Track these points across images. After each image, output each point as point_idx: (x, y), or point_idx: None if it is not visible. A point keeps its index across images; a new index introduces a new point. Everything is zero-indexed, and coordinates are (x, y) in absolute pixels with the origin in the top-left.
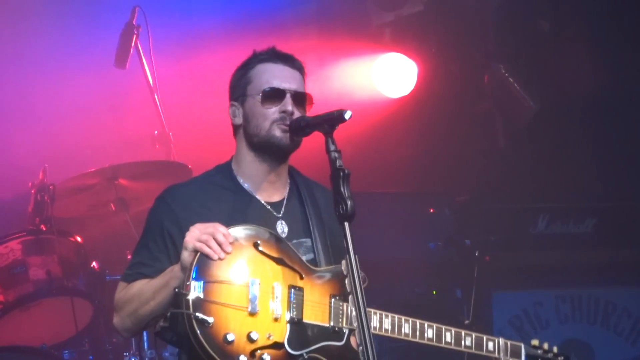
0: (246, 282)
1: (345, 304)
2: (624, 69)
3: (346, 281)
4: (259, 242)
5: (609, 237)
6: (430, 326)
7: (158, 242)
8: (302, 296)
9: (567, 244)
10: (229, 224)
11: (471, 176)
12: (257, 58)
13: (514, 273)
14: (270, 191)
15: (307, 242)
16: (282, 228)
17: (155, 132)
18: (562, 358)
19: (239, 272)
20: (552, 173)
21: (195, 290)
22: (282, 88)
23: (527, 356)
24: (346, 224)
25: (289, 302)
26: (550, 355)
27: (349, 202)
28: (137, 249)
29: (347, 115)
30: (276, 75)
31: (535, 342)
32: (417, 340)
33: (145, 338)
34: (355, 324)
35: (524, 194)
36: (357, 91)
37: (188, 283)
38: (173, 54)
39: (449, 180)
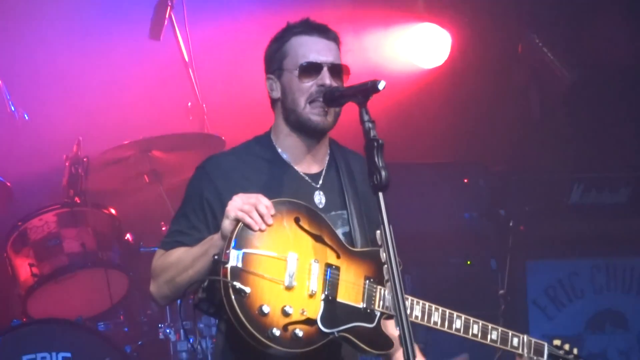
0: (285, 256)
1: (379, 287)
2: None
3: (381, 252)
4: (299, 217)
5: None
6: (459, 317)
7: (197, 211)
8: (338, 275)
9: (601, 214)
10: (268, 195)
11: (506, 146)
12: (292, 30)
13: (548, 243)
14: (309, 162)
15: (344, 214)
16: (319, 199)
17: (189, 104)
18: None
19: (278, 245)
20: (586, 143)
21: (234, 259)
22: (318, 62)
23: (549, 355)
24: (380, 194)
25: (325, 280)
26: (571, 357)
27: (383, 173)
28: (176, 217)
29: (380, 86)
30: (312, 49)
31: (557, 341)
32: (445, 329)
33: (180, 309)
34: (387, 307)
35: (558, 164)
36: (391, 62)
37: (227, 252)
38: (207, 25)
39: (483, 150)
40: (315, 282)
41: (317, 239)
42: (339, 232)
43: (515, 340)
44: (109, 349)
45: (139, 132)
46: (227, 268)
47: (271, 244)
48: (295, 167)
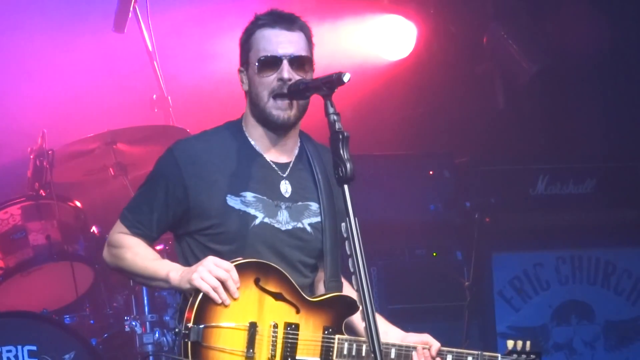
0: (245, 325)
1: (337, 336)
2: (625, 27)
3: (346, 244)
4: (259, 277)
5: (609, 198)
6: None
7: (159, 194)
8: (297, 333)
9: (567, 205)
10: (233, 181)
11: (471, 138)
12: (257, 23)
13: (514, 234)
14: (278, 152)
15: (313, 205)
16: (285, 188)
17: (154, 96)
18: (534, 357)
19: (238, 314)
20: (551, 134)
21: (194, 335)
22: (277, 55)
23: None
24: (345, 186)
25: (284, 342)
26: (523, 357)
27: (348, 165)
28: (140, 191)
29: (345, 78)
30: (272, 41)
31: (510, 343)
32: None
33: (146, 302)
34: (344, 355)
35: (523, 155)
36: (356, 54)
37: (189, 325)
38: (171, 17)
39: (448, 142)
40: (274, 346)
41: (277, 297)
42: (305, 222)
43: (470, 359)
44: (75, 342)
45: (103, 124)
46: (187, 343)
47: (231, 314)
48: (264, 155)
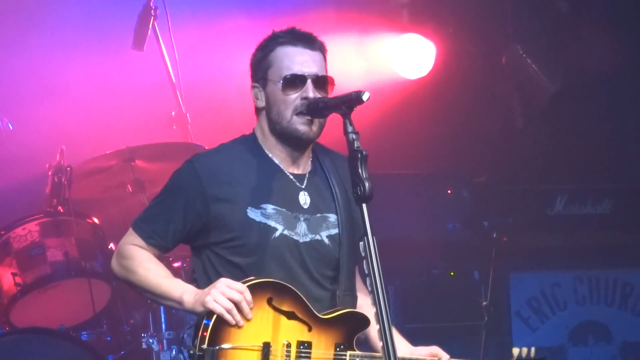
0: (258, 346)
1: (348, 352)
2: None
3: (364, 263)
4: (272, 297)
5: (626, 219)
6: None
7: (177, 206)
8: (310, 352)
9: (584, 225)
10: (254, 194)
11: (489, 157)
12: (277, 40)
13: (531, 254)
14: (295, 164)
15: (331, 217)
16: (304, 199)
17: (173, 113)
18: None
19: (252, 335)
20: (570, 154)
21: (208, 357)
22: (302, 74)
23: None
24: (364, 205)
25: None
26: None
27: (366, 184)
28: (156, 202)
29: (365, 97)
30: (296, 60)
31: (515, 350)
32: None
33: (163, 319)
34: None
35: (541, 175)
36: (375, 72)
37: (204, 347)
38: (190, 35)
39: (466, 161)
40: None
41: (290, 315)
42: (323, 234)
43: None
44: (92, 358)
45: (122, 141)
46: None
47: (245, 335)
48: (282, 167)
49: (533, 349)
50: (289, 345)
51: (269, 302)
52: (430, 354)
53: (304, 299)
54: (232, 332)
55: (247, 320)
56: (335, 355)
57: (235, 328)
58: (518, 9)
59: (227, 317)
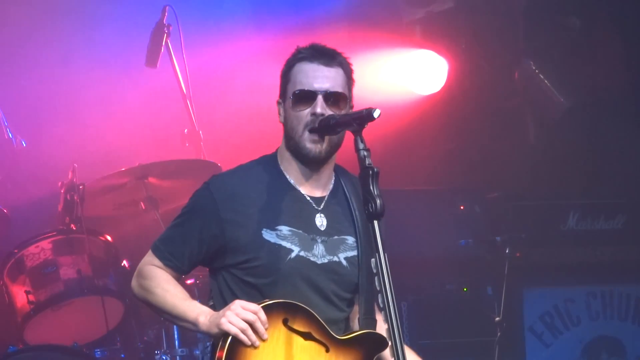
0: None
1: None
2: None
3: (375, 280)
4: (288, 318)
5: (639, 234)
6: None
7: (193, 229)
8: None
9: (598, 241)
10: (269, 216)
11: (501, 173)
12: (297, 56)
13: (544, 270)
14: (313, 186)
15: (349, 239)
16: (321, 222)
17: (185, 130)
18: None
19: (268, 356)
20: (582, 169)
21: None
22: (312, 89)
23: None
24: (375, 222)
25: None
26: None
27: (378, 201)
28: (174, 224)
29: (376, 114)
30: (308, 76)
31: None
32: None
33: (176, 336)
34: None
35: (554, 190)
36: (387, 89)
37: None
38: (203, 52)
39: (479, 177)
40: None
41: (306, 336)
42: (341, 256)
43: None
44: None
45: (135, 158)
46: None
47: (261, 355)
48: (299, 188)
49: None
50: None
51: (285, 322)
52: None
53: (320, 320)
54: (249, 353)
55: (263, 340)
56: None
57: (251, 349)
58: (530, 25)
59: (242, 337)
